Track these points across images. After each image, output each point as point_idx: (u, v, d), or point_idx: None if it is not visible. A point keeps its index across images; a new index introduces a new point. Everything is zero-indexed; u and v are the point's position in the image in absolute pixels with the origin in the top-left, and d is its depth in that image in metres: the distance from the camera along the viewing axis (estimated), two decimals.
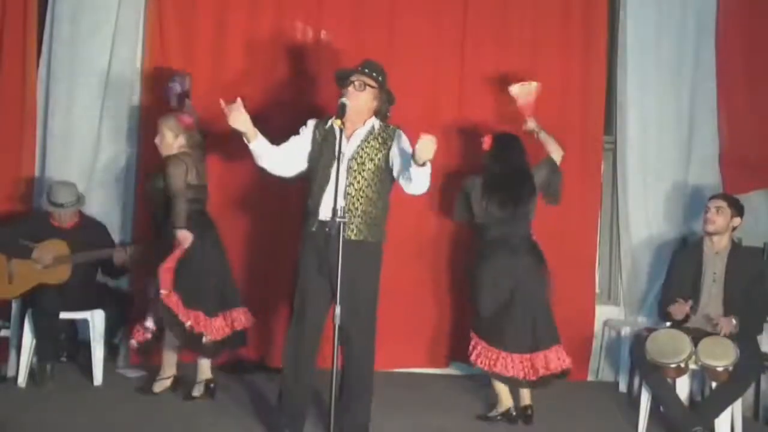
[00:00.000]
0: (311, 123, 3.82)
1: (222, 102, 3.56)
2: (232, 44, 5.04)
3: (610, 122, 5.27)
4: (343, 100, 3.62)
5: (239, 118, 3.52)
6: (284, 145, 3.78)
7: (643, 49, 5.12)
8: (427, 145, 3.35)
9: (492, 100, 5.11)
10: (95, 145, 5.00)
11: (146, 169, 5.02)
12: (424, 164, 3.43)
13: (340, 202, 3.40)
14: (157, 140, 4.37)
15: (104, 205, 5.00)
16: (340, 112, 3.54)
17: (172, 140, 4.33)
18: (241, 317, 4.44)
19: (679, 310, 4.14)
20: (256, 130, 3.61)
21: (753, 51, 5.06)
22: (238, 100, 3.53)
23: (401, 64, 5.02)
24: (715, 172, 5.09)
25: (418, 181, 3.55)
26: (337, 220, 3.31)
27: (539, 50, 5.12)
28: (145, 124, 5.04)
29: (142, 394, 4.37)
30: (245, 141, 3.61)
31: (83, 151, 4.99)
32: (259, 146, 3.64)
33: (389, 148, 3.72)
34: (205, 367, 4.39)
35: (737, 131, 5.08)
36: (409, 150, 3.57)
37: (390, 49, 5.06)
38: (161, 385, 4.41)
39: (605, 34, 5.19)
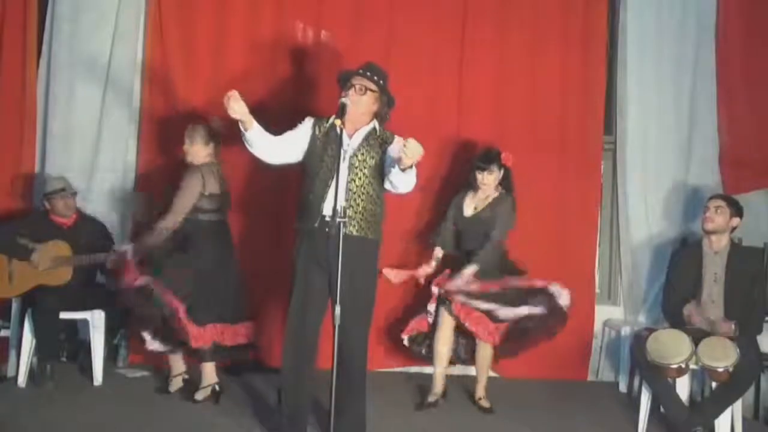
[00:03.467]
0: (309, 120, 3.84)
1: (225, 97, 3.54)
2: (232, 44, 5.04)
3: (610, 122, 5.27)
4: (343, 100, 3.62)
5: (238, 108, 3.53)
6: (281, 136, 3.78)
7: (643, 48, 5.12)
8: (415, 150, 3.32)
9: (492, 101, 5.11)
10: (95, 145, 5.00)
11: (146, 168, 5.04)
12: (408, 168, 3.43)
13: (341, 202, 3.40)
14: (186, 146, 4.35)
15: (103, 203, 4.99)
16: (340, 111, 3.55)
17: (202, 148, 4.34)
18: (240, 331, 4.42)
19: (696, 315, 4.12)
20: (252, 117, 3.62)
21: (753, 51, 5.06)
22: (235, 91, 3.53)
23: (400, 64, 5.02)
24: (715, 172, 5.09)
25: (402, 185, 3.58)
26: (338, 220, 3.31)
27: (539, 50, 5.12)
28: (145, 124, 5.06)
29: (159, 394, 4.38)
30: (242, 129, 3.63)
31: (83, 151, 4.99)
32: (255, 134, 3.65)
33: (378, 154, 3.74)
34: (208, 372, 4.35)
35: (737, 131, 5.07)
36: (395, 154, 3.59)
37: (389, 49, 5.06)
38: (202, 394, 4.35)
39: (605, 33, 5.19)
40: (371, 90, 3.72)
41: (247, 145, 3.70)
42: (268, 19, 5.07)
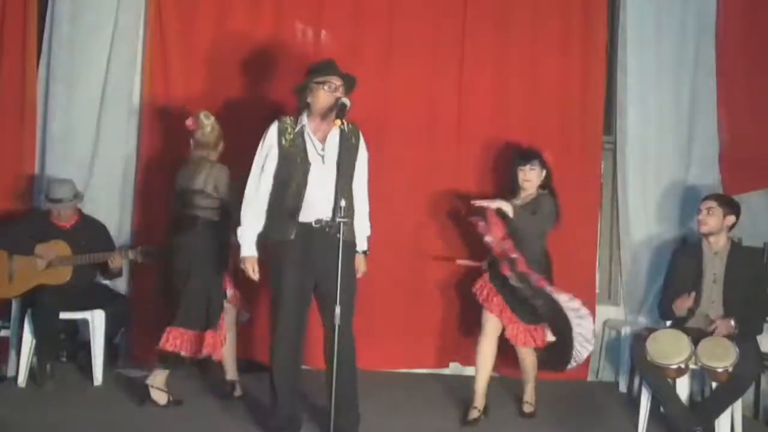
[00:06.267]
0: (273, 132, 3.75)
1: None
2: (231, 44, 5.04)
3: (610, 122, 5.27)
4: (344, 100, 3.63)
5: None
6: (264, 183, 3.74)
7: (643, 48, 5.11)
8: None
9: (492, 100, 5.11)
10: (94, 145, 5.00)
11: (146, 168, 5.04)
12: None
13: (340, 202, 3.41)
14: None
15: (103, 204, 4.99)
16: (340, 111, 3.56)
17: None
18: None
19: (682, 303, 4.11)
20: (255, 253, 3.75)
21: (753, 51, 5.04)
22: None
23: (401, 64, 5.04)
24: (715, 172, 5.09)
25: None
26: (338, 220, 3.32)
27: (539, 50, 5.12)
28: (144, 124, 5.06)
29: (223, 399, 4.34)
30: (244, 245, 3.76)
31: (83, 151, 4.99)
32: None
33: (357, 151, 3.78)
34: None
35: (737, 131, 5.07)
36: (363, 170, 3.83)
37: (389, 49, 5.07)
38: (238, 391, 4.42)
39: (605, 33, 5.19)
40: (343, 87, 3.72)
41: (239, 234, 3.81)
42: (268, 19, 5.07)
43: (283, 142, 3.72)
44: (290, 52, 5.02)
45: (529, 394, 4.40)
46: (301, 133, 3.71)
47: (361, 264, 3.86)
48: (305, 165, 3.66)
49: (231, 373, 4.44)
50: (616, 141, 5.23)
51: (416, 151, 5.04)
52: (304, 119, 3.73)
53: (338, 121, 3.49)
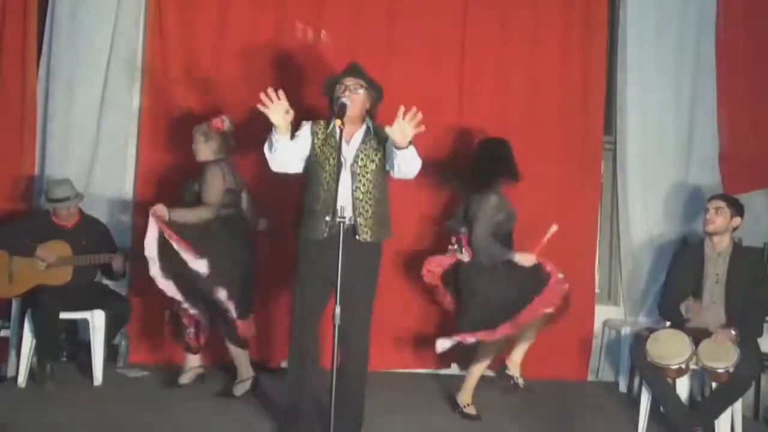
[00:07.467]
0: (306, 125, 3.79)
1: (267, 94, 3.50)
2: (231, 44, 5.04)
3: (610, 122, 5.27)
4: (344, 99, 3.63)
5: (281, 112, 3.50)
6: (294, 146, 3.72)
7: (644, 48, 5.12)
8: (402, 129, 3.38)
9: (492, 100, 5.11)
10: (94, 145, 5.00)
11: (145, 168, 5.04)
12: (406, 147, 3.45)
13: (341, 203, 3.40)
14: (193, 147, 4.45)
15: (102, 204, 4.99)
16: (341, 111, 3.55)
17: (203, 145, 4.41)
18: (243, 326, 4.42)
19: (693, 310, 4.13)
20: (289, 125, 3.57)
21: (753, 50, 5.05)
22: (281, 93, 3.51)
23: (401, 64, 5.04)
24: (715, 172, 5.09)
25: (405, 166, 3.57)
26: (337, 220, 3.32)
27: (539, 50, 5.12)
28: (144, 124, 5.06)
29: (224, 397, 4.38)
30: (274, 132, 3.55)
31: (82, 151, 4.99)
32: (284, 142, 3.58)
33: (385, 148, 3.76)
34: (245, 366, 4.48)
35: (737, 131, 5.07)
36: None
37: (390, 49, 5.07)
38: (242, 388, 4.43)
39: (605, 33, 5.19)
40: (364, 87, 3.73)
41: (268, 148, 3.64)
42: (268, 19, 5.07)
43: (315, 140, 3.73)
44: (290, 52, 5.02)
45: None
46: (334, 133, 3.68)
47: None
48: (339, 165, 3.58)
49: (245, 371, 4.47)
50: (616, 141, 5.23)
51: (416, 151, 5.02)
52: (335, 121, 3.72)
53: (338, 121, 3.48)
